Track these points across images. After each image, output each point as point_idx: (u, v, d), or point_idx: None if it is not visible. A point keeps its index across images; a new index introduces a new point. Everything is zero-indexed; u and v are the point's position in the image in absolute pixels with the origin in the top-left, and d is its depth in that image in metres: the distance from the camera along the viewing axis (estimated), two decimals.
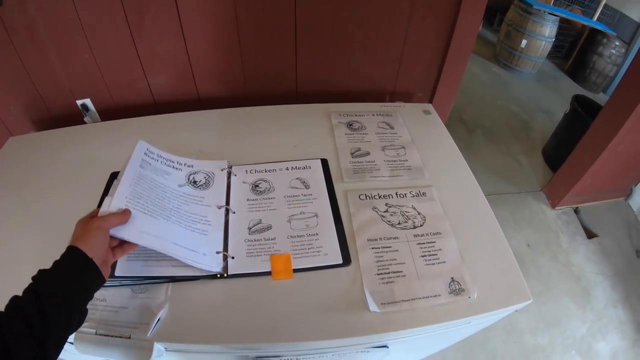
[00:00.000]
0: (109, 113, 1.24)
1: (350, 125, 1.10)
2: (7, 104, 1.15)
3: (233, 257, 0.73)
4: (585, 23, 3.78)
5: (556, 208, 2.22)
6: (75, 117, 1.21)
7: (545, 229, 2.11)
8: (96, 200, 0.83)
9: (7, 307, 0.47)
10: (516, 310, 0.73)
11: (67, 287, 0.52)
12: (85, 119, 1.23)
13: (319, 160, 0.96)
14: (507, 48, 4.04)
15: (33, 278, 0.51)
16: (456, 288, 0.70)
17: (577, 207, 2.24)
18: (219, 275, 0.70)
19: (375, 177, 0.93)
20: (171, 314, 0.66)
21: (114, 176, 0.88)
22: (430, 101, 1.33)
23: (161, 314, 0.65)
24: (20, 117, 1.18)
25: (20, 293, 0.49)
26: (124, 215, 0.63)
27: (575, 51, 4.04)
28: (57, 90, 1.17)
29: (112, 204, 0.64)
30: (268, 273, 0.71)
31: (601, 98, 3.55)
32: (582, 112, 2.24)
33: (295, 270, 0.72)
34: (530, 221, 2.15)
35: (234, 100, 1.28)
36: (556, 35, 3.75)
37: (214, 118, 1.14)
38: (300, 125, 1.10)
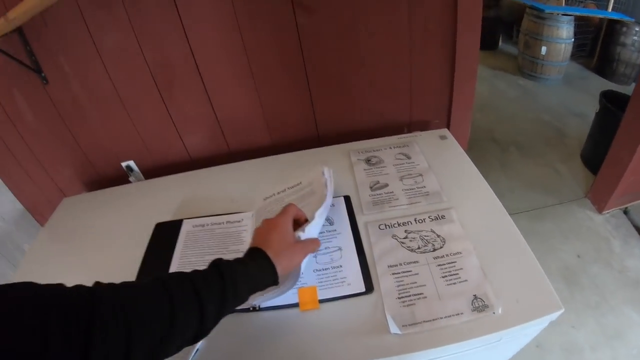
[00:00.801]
0: (151, 172, 1.39)
1: (369, 160, 1.17)
2: (60, 169, 1.33)
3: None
4: (601, 16, 3.69)
5: (603, 212, 2.15)
6: (121, 177, 1.37)
7: (595, 236, 2.05)
8: (142, 247, 0.96)
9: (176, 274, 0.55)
10: (551, 322, 0.74)
11: (247, 275, 0.60)
12: (130, 178, 1.39)
13: (342, 198, 1.04)
14: (529, 58, 4.01)
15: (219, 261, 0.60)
16: (479, 305, 0.72)
17: (625, 208, 2.16)
18: (251, 309, 0.77)
19: (394, 206, 0.98)
20: (207, 345, 0.73)
21: (159, 226, 1.01)
22: (448, 125, 1.38)
23: (200, 344, 0.72)
24: (72, 179, 1.37)
25: None
26: (317, 245, 0.75)
27: (597, 47, 3.93)
28: (103, 154, 1.34)
29: (311, 231, 0.77)
30: (296, 305, 0.77)
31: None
32: (612, 108, 2.19)
33: (321, 301, 0.77)
34: (578, 231, 2.09)
35: (262, 150, 1.39)
36: (575, 35, 3.68)
37: (244, 169, 1.25)
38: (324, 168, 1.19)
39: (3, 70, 1.16)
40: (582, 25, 3.98)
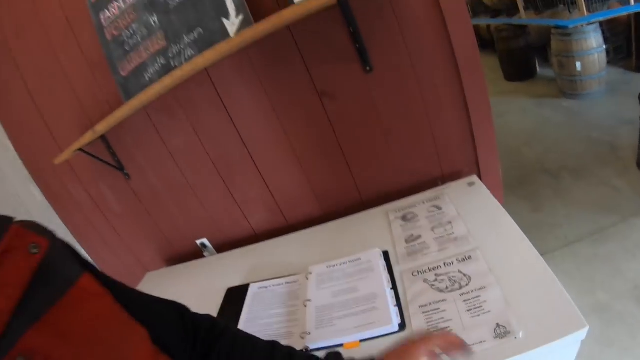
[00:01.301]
0: (222, 246, 1.68)
1: (405, 217, 1.33)
2: (143, 248, 1.67)
3: (309, 333, 0.97)
4: (627, 12, 3.59)
5: None
6: (196, 253, 1.68)
7: None
8: (217, 307, 1.22)
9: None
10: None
11: None
12: (204, 253, 1.69)
13: (381, 253, 1.19)
14: (566, 78, 3.98)
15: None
16: (501, 332, 0.82)
17: None
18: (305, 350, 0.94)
19: (426, 254, 1.11)
20: None
21: (230, 291, 1.26)
22: (478, 170, 1.50)
23: None
24: (154, 257, 1.69)
25: None
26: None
27: (633, 45, 3.80)
28: (180, 234, 1.67)
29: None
30: (341, 345, 0.93)
31: None
32: None
33: (361, 341, 0.92)
34: None
35: (315, 219, 1.60)
36: (605, 41, 3.62)
37: (301, 237, 1.49)
38: (365, 228, 1.38)
39: (90, 168, 1.55)
40: (610, 29, 3.91)
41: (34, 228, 0.52)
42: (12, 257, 0.47)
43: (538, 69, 5.34)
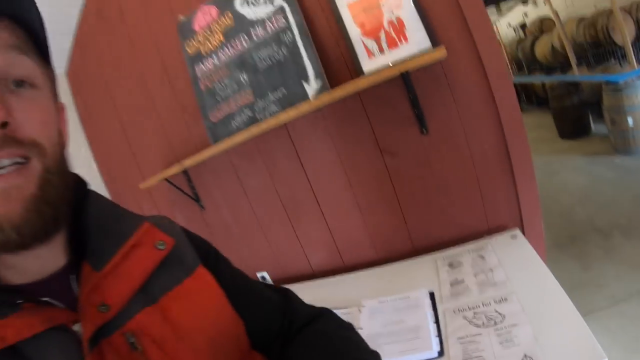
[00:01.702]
0: (280, 281, 1.89)
1: (451, 264, 1.51)
2: None
3: None
4: None
5: None
6: None
7: None
8: None
9: None
10: None
11: None
12: None
13: (428, 293, 1.38)
14: (619, 134, 4.04)
15: None
16: None
17: None
18: None
19: (467, 296, 1.29)
20: None
21: None
22: (521, 225, 1.66)
23: None
24: None
25: None
26: None
27: None
28: (243, 265, 1.90)
29: None
30: None
31: None
32: None
33: None
34: None
35: (370, 263, 1.80)
36: None
37: (356, 278, 1.69)
38: (415, 272, 1.57)
39: (168, 196, 1.85)
40: None
41: (163, 227, 0.62)
42: (139, 251, 0.57)
43: (592, 125, 5.38)
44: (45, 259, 0.52)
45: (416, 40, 1.44)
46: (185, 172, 1.92)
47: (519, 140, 1.53)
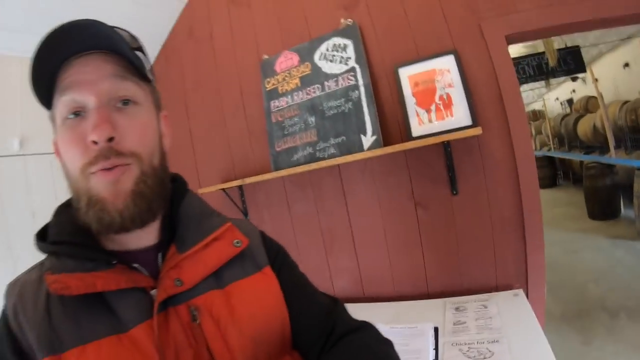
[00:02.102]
0: None
1: (457, 308, 1.79)
2: None
3: None
4: None
5: None
6: None
7: None
8: None
9: None
10: None
11: None
12: None
13: (433, 327, 1.66)
14: None
15: None
16: None
17: None
18: None
19: (467, 333, 1.57)
20: None
21: None
22: (526, 288, 1.91)
23: None
24: None
25: None
26: None
27: None
28: None
29: None
30: None
31: None
32: None
33: None
34: None
35: (387, 298, 2.08)
36: None
37: (373, 306, 1.97)
38: (426, 310, 1.84)
39: (220, 206, 2.18)
40: None
41: (242, 229, 0.75)
42: (218, 244, 0.69)
43: (622, 209, 5.55)
44: (141, 238, 0.66)
45: (460, 115, 1.78)
46: (240, 187, 2.29)
47: (534, 214, 1.82)
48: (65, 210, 0.65)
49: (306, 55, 2.11)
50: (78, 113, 0.59)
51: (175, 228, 0.69)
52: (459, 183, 1.86)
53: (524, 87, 7.38)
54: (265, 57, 2.27)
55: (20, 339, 0.56)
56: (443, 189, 1.90)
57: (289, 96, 2.13)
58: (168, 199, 0.69)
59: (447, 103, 1.80)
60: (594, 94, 6.05)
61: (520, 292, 1.83)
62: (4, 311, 0.60)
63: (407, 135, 1.86)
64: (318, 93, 2.05)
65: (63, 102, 0.59)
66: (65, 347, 0.55)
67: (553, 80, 7.49)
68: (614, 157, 5.37)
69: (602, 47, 5.95)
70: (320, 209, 2.14)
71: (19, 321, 0.57)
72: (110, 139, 0.58)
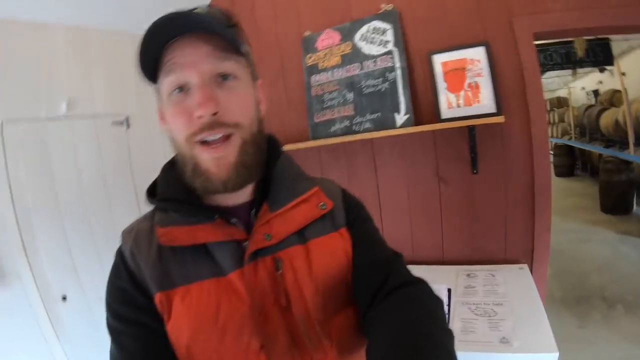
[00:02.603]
0: None
1: (469, 275, 2.04)
2: None
3: None
4: None
5: None
6: None
7: None
8: None
9: None
10: None
11: None
12: None
13: (447, 288, 1.92)
14: None
15: None
16: (505, 341, 1.49)
17: None
18: None
19: (474, 296, 1.83)
20: None
21: None
22: (531, 264, 2.15)
23: None
24: None
25: None
26: None
27: None
28: None
29: None
30: None
31: None
32: None
33: None
34: None
35: (406, 261, 2.32)
36: None
37: None
38: (441, 275, 2.10)
39: None
40: None
41: (327, 191, 0.82)
42: (305, 206, 0.78)
43: (635, 205, 5.72)
44: (238, 196, 0.75)
45: (486, 103, 1.99)
46: None
47: (544, 198, 2.05)
48: (171, 169, 0.77)
49: (347, 35, 2.31)
50: (182, 88, 0.67)
51: (267, 187, 0.76)
52: (480, 164, 2.09)
53: (550, 74, 7.42)
54: (307, 33, 2.46)
55: (137, 275, 0.70)
56: (465, 167, 2.13)
57: (329, 72, 2.34)
58: (264, 162, 0.77)
59: (475, 90, 2.01)
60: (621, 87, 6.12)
61: (525, 267, 2.08)
62: (121, 253, 0.73)
63: (436, 117, 2.07)
64: (357, 72, 2.26)
65: (168, 81, 0.67)
66: (174, 285, 0.68)
67: (580, 70, 7.53)
68: (633, 154, 5.50)
69: (632, 42, 5.98)
70: (352, 178, 2.38)
71: (136, 262, 0.70)
72: (215, 113, 0.65)
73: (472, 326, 1.61)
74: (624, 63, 6.23)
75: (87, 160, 2.44)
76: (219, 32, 0.66)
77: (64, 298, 2.24)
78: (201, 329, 0.67)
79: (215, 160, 0.67)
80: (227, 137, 0.67)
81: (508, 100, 2.02)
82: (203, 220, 0.71)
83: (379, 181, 2.34)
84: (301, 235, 0.76)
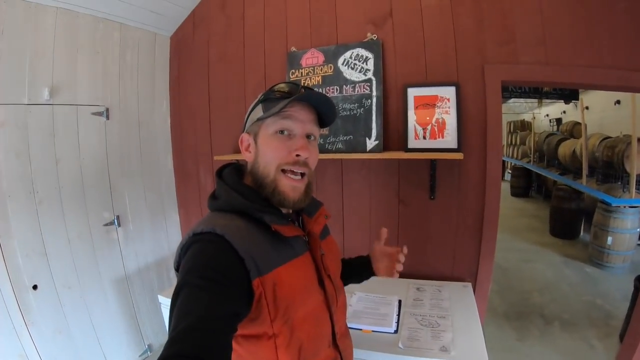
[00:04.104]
0: None
1: (418, 289, 2.35)
2: None
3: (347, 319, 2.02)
4: None
5: None
6: None
7: None
8: None
9: None
10: None
11: None
12: None
13: (398, 299, 2.23)
14: (597, 248, 4.88)
15: None
16: (444, 349, 1.81)
17: None
18: None
19: (421, 308, 2.15)
20: None
21: None
22: (474, 283, 2.48)
23: None
24: None
25: None
26: None
27: None
28: None
29: None
30: (361, 329, 1.97)
31: None
32: None
33: (373, 331, 1.96)
34: None
35: None
36: None
37: None
38: (393, 287, 2.36)
39: None
40: None
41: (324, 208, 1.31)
42: (319, 217, 1.25)
43: (582, 232, 6.29)
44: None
45: (449, 139, 2.31)
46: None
47: (491, 227, 2.39)
48: (244, 184, 1.11)
49: (331, 57, 2.58)
50: (283, 132, 1.05)
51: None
52: (437, 191, 2.41)
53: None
54: (293, 49, 2.72)
55: (245, 258, 0.93)
56: (423, 192, 2.45)
57: None
58: None
59: (441, 126, 2.32)
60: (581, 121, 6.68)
61: (469, 285, 2.42)
62: (224, 238, 0.93)
63: (404, 145, 2.37)
64: (336, 94, 2.53)
65: (282, 123, 1.05)
66: (276, 265, 1.00)
67: (546, 99, 8.10)
68: (585, 184, 6.03)
69: None
70: (320, 191, 2.66)
71: (246, 248, 0.94)
72: (306, 158, 1.06)
73: (417, 335, 1.92)
74: (588, 98, 6.79)
75: (65, 149, 2.53)
76: (320, 111, 1.11)
77: (35, 287, 2.33)
78: (296, 287, 1.03)
79: (292, 188, 1.06)
80: (303, 175, 1.07)
81: (469, 139, 2.33)
82: (287, 222, 1.08)
83: (344, 196, 2.63)
84: (322, 235, 1.24)
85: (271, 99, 1.08)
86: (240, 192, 1.06)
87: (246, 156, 1.14)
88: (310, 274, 1.11)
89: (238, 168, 1.18)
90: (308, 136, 1.09)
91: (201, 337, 0.77)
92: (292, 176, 1.06)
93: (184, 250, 0.96)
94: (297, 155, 1.05)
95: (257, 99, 1.13)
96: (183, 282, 0.87)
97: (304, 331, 1.03)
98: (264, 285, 0.95)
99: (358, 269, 1.57)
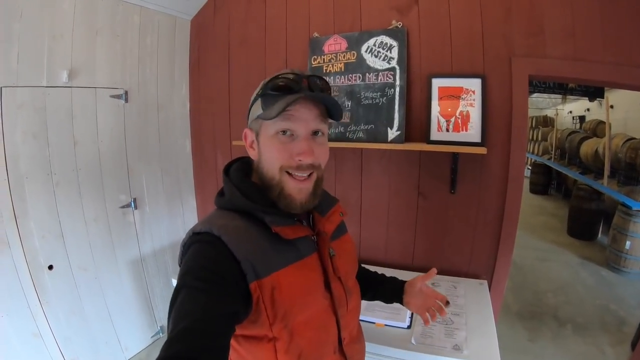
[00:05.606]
0: None
1: (433, 284, 2.31)
2: None
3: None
4: None
5: None
6: None
7: None
8: None
9: None
10: None
11: None
12: None
13: None
14: (615, 251, 4.75)
15: None
16: (457, 348, 1.78)
17: None
18: None
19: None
20: None
21: None
22: (490, 281, 2.45)
23: None
24: None
25: None
26: None
27: None
28: None
29: None
30: (374, 322, 1.93)
31: None
32: None
33: (386, 325, 1.92)
34: None
35: (379, 263, 2.59)
36: None
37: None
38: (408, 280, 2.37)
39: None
40: None
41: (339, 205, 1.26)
42: (334, 213, 1.20)
43: (600, 234, 6.15)
44: None
45: (472, 132, 2.24)
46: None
47: (511, 224, 2.32)
48: (251, 182, 1.06)
49: (354, 44, 2.51)
50: (285, 132, 0.96)
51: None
52: (458, 185, 2.35)
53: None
54: (316, 35, 2.65)
55: (240, 260, 0.89)
56: (444, 186, 2.39)
57: (332, 77, 2.55)
58: None
59: (465, 119, 2.25)
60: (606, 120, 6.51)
61: (485, 282, 2.36)
62: (220, 239, 0.91)
63: (426, 137, 2.31)
64: (358, 82, 2.47)
65: (282, 124, 0.96)
66: (275, 269, 0.94)
67: (570, 96, 7.92)
68: (606, 185, 5.87)
69: None
70: (338, 179, 2.62)
71: (242, 250, 0.91)
72: (309, 163, 0.97)
73: (430, 331, 1.88)
74: (613, 97, 6.60)
75: (83, 131, 2.53)
76: (326, 105, 1.01)
77: (50, 267, 2.35)
78: (297, 292, 0.97)
79: (298, 190, 0.98)
80: (309, 174, 0.99)
81: (493, 133, 2.27)
82: (291, 223, 1.02)
83: (363, 187, 2.58)
84: (336, 234, 1.17)
85: (270, 95, 0.98)
86: (243, 191, 1.02)
87: (251, 154, 1.08)
88: (316, 277, 1.05)
89: (247, 163, 1.13)
90: (315, 132, 1.00)
91: (199, 338, 0.78)
92: (298, 175, 0.98)
93: (185, 249, 0.97)
94: (300, 161, 0.97)
95: (256, 92, 1.04)
96: (181, 284, 0.87)
97: (304, 337, 0.99)
98: (261, 289, 0.92)
99: (388, 294, 1.55)
